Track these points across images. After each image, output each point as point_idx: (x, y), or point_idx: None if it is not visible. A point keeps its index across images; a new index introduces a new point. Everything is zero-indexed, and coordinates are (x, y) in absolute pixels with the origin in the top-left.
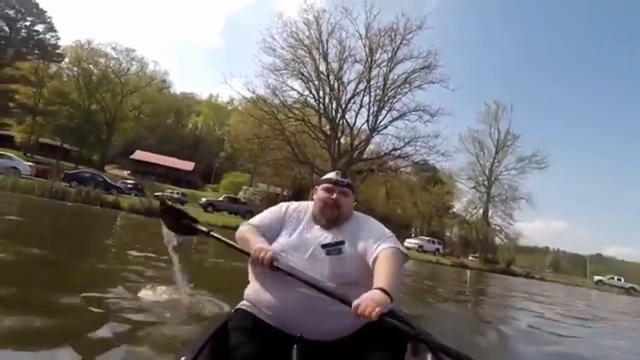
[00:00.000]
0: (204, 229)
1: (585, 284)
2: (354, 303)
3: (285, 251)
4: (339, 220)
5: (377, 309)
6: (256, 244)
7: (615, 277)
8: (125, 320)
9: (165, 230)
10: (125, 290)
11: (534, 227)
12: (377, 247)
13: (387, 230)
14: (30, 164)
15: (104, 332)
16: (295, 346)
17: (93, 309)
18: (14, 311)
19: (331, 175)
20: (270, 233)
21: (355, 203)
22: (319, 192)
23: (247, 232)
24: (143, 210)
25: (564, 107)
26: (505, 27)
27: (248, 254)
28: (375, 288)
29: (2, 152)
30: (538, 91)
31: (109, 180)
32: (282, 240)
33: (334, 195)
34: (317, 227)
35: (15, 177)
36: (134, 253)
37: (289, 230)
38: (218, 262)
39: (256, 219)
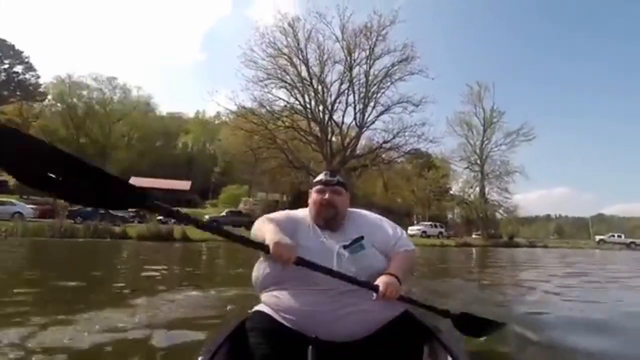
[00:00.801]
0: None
1: (588, 244)
2: (380, 286)
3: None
4: (338, 219)
5: (395, 290)
6: (274, 237)
7: (616, 235)
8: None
9: None
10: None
11: (536, 197)
12: (396, 244)
13: (397, 227)
14: (32, 206)
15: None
16: (310, 347)
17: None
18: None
19: (320, 176)
20: (285, 231)
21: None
22: (313, 195)
23: (263, 224)
24: (151, 236)
25: (560, 75)
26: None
27: (264, 249)
28: (385, 273)
29: (4, 199)
30: (528, 63)
31: (111, 211)
32: (301, 250)
33: (327, 196)
34: (326, 232)
35: (23, 222)
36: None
37: (305, 237)
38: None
39: (272, 214)
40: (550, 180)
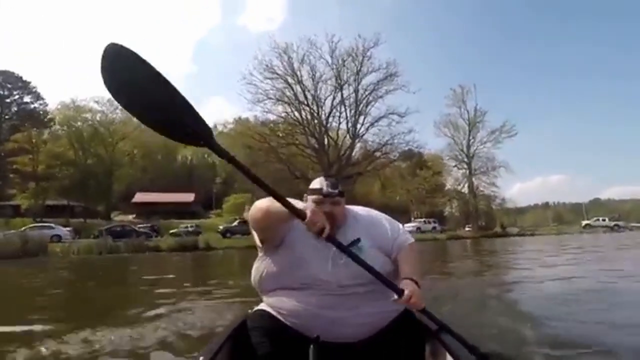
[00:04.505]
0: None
1: (578, 229)
2: (405, 292)
3: (307, 261)
4: (335, 228)
5: (419, 300)
6: (307, 208)
7: (600, 218)
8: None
9: None
10: None
11: (535, 185)
12: (396, 239)
13: (395, 222)
14: (68, 229)
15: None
16: (312, 346)
17: None
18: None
19: (319, 185)
20: (282, 230)
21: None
22: (310, 203)
23: (271, 201)
24: (178, 248)
25: (556, 61)
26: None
27: (299, 215)
28: (406, 278)
29: (45, 224)
30: (521, 52)
31: (136, 229)
32: (297, 249)
33: (326, 209)
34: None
35: (76, 243)
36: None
37: (300, 239)
38: None
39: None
40: (549, 167)
